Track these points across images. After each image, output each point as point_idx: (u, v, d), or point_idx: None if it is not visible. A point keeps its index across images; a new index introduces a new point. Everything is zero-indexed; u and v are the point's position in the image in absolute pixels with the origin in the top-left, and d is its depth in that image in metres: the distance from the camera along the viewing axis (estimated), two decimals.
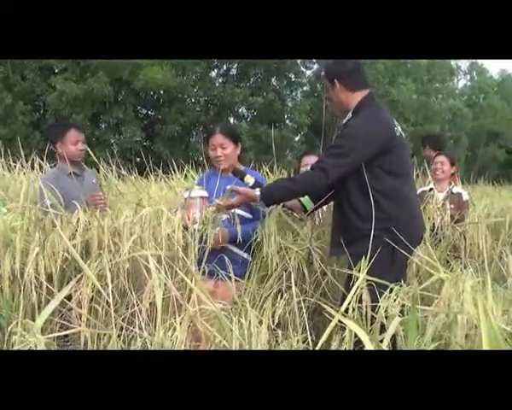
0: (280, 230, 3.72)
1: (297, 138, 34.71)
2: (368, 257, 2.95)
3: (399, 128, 3.59)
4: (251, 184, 3.82)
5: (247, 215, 3.88)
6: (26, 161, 7.47)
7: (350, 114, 3.63)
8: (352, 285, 2.78)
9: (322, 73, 3.84)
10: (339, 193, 3.57)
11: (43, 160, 7.15)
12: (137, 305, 2.79)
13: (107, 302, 2.81)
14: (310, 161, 5.31)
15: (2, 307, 2.85)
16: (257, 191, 3.54)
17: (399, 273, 3.31)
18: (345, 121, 3.67)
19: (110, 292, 2.76)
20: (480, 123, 43.82)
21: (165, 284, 2.78)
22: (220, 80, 34.53)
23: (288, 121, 34.88)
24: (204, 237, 3.48)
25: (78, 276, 2.79)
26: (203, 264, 3.36)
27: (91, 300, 2.87)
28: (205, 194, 3.80)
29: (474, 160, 41.60)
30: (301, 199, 3.93)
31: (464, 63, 46.16)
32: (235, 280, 3.38)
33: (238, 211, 3.74)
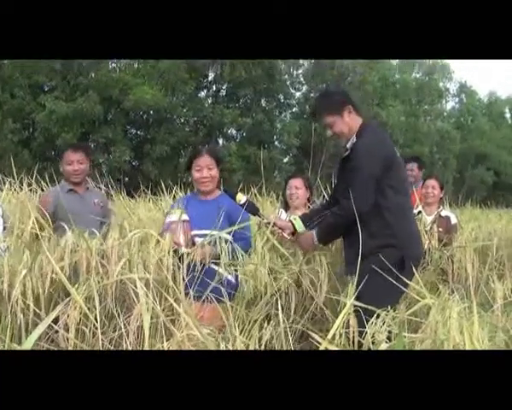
0: (269, 252, 3.73)
1: (286, 160, 34.75)
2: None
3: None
4: (242, 202, 3.84)
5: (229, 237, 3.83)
6: (15, 180, 7.42)
7: (354, 138, 3.68)
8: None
9: (323, 108, 3.86)
10: None
11: (32, 178, 7.13)
12: (125, 328, 2.78)
13: (95, 325, 2.80)
14: (296, 183, 5.34)
15: None
16: (314, 238, 3.71)
17: (400, 293, 3.35)
18: (349, 145, 3.71)
19: (97, 315, 2.75)
20: (469, 145, 44.05)
21: (153, 309, 2.78)
22: (210, 101, 34.59)
23: (276, 142, 34.97)
24: (191, 261, 3.48)
25: (66, 300, 2.78)
26: (192, 288, 3.35)
27: (78, 322, 2.86)
28: (186, 217, 3.80)
29: (462, 182, 41.76)
30: (293, 221, 3.94)
31: (453, 85, 46.46)
32: (224, 303, 3.37)
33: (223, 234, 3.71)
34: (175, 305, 2.90)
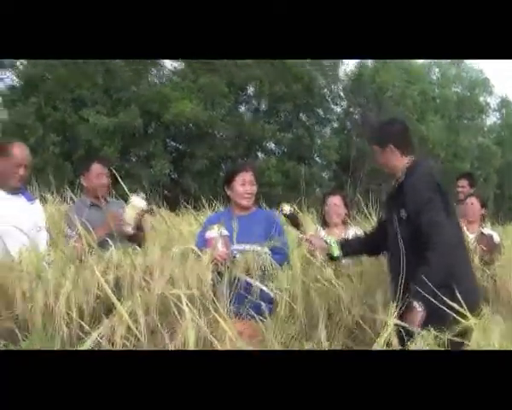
0: (304, 270, 3.73)
1: (325, 175, 34.69)
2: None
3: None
4: (286, 213, 3.88)
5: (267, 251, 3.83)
6: (57, 192, 7.53)
7: (403, 176, 3.62)
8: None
9: (370, 137, 3.84)
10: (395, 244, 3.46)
11: (73, 191, 7.22)
12: (168, 343, 2.80)
13: (139, 339, 2.83)
14: (334, 200, 5.32)
15: (33, 341, 2.87)
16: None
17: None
18: (398, 183, 3.65)
19: (142, 330, 2.78)
20: (509, 161, 43.43)
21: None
22: (249, 115, 34.70)
23: (316, 158, 34.91)
24: (233, 277, 3.50)
25: (113, 314, 2.82)
26: (227, 303, 3.37)
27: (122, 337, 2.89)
28: (225, 232, 3.82)
29: (503, 198, 41.16)
30: (331, 244, 3.91)
31: (494, 100, 45.85)
32: (262, 319, 3.37)
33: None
34: (221, 322, 2.91)
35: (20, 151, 4.04)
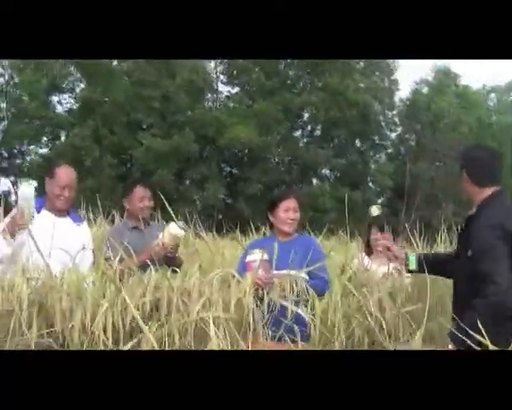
0: (344, 296, 3.71)
1: (380, 201, 34.50)
2: None
3: None
4: (375, 214, 3.94)
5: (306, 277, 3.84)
6: (109, 214, 7.64)
7: (474, 209, 3.46)
8: None
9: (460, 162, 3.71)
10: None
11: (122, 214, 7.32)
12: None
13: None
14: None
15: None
16: None
17: None
18: (469, 214, 3.50)
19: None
20: None
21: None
22: (304, 141, 34.81)
23: (370, 183, 34.78)
24: (271, 302, 3.51)
25: (140, 336, 2.87)
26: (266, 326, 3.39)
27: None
28: (266, 257, 3.84)
29: None
30: (409, 256, 3.86)
31: None
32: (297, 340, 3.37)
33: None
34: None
35: (65, 173, 4.10)
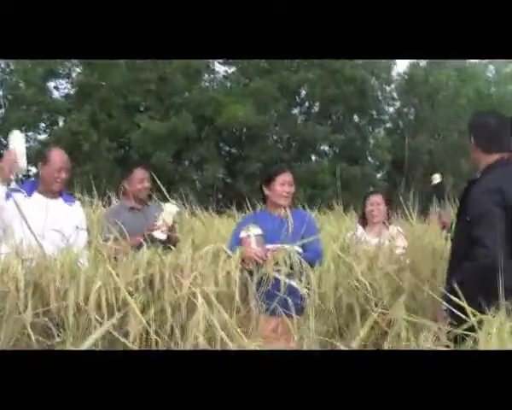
0: (336, 267, 3.76)
1: (379, 176, 34.48)
2: None
3: None
4: (436, 182, 4.01)
5: (300, 250, 3.89)
6: (108, 197, 7.69)
7: (478, 174, 3.45)
8: None
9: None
10: None
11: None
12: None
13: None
14: (376, 199, 5.34)
15: (66, 337, 2.98)
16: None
17: None
18: (472, 179, 3.49)
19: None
20: None
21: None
22: (302, 118, 34.74)
23: (369, 158, 34.72)
24: (263, 275, 3.56)
25: (125, 309, 2.92)
26: (257, 299, 3.44)
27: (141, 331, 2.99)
28: (260, 232, 3.89)
29: None
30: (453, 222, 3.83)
31: None
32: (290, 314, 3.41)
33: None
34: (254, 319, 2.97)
35: (58, 156, 4.23)
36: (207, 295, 3.07)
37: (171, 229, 4.31)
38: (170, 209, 4.32)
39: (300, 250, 3.85)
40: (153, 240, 3.89)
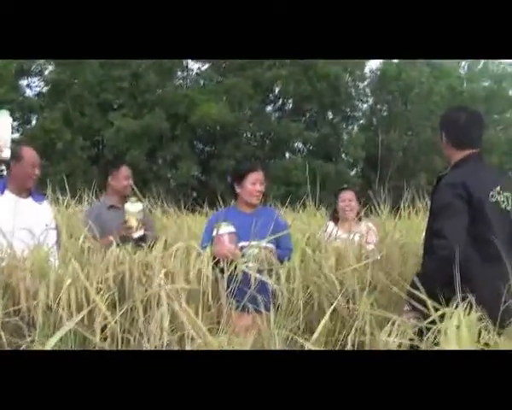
0: (304, 263, 3.80)
1: (353, 173, 34.56)
2: None
3: (500, 196, 3.33)
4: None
5: (272, 246, 3.93)
6: (80, 196, 7.69)
7: (448, 169, 3.51)
8: None
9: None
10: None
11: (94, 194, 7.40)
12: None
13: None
14: (348, 196, 5.39)
15: (36, 337, 2.98)
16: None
17: None
18: (441, 174, 3.51)
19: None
20: None
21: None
22: (276, 115, 34.74)
23: (343, 155, 34.78)
24: (235, 272, 3.58)
25: (91, 306, 2.93)
26: (226, 295, 3.47)
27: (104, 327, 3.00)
28: (233, 230, 3.92)
29: None
30: None
31: None
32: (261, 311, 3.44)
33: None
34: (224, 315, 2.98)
35: (30, 153, 4.26)
36: (177, 292, 3.09)
37: (141, 227, 4.35)
38: (132, 210, 4.36)
39: (272, 247, 3.89)
40: (126, 239, 3.91)
